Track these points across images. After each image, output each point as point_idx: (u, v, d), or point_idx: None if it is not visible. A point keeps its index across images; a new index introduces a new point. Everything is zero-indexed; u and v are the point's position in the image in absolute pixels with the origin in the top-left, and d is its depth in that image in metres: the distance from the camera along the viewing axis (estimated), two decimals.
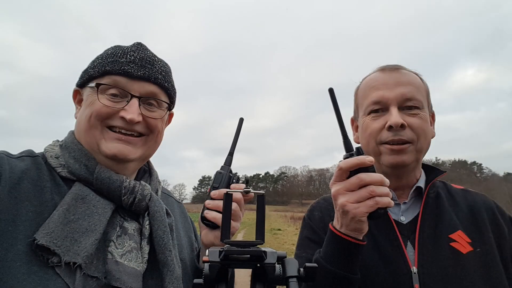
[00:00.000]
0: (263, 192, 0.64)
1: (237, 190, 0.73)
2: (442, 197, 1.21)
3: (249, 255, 0.56)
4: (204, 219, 1.01)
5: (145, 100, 1.00)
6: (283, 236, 22.53)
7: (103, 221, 0.88)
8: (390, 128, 1.13)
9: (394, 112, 1.13)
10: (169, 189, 1.31)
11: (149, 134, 1.02)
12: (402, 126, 1.12)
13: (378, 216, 0.90)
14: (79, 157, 0.95)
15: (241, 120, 1.10)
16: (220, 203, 0.95)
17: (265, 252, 0.57)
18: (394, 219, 1.16)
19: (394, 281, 1.05)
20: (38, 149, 1.00)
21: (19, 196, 0.82)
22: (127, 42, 1.10)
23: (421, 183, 1.22)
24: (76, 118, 1.02)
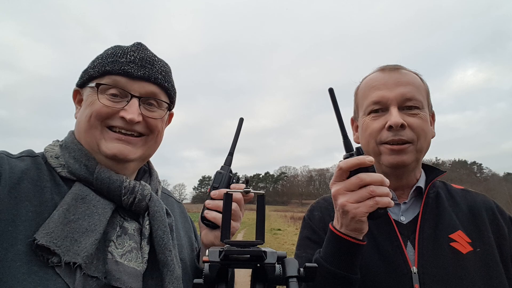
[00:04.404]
0: (263, 192, 0.65)
1: (237, 190, 0.73)
2: (442, 197, 1.21)
3: (249, 255, 0.56)
4: (204, 219, 1.01)
5: (145, 100, 1.00)
6: (283, 236, 22.53)
7: (103, 221, 0.88)
8: (390, 128, 1.13)
9: (394, 112, 1.13)
10: (169, 189, 1.31)
11: (149, 134, 1.02)
12: (402, 126, 1.12)
13: (378, 216, 0.90)
14: (79, 157, 0.95)
15: (241, 120, 1.10)
16: (220, 203, 0.95)
17: (265, 252, 0.57)
18: (394, 219, 1.16)
19: (394, 281, 1.05)
20: (38, 149, 1.00)
21: (19, 196, 0.82)
22: (127, 42, 1.10)
23: (421, 183, 1.22)
24: (76, 118, 1.02)
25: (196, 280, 0.56)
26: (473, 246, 1.09)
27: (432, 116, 1.28)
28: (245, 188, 0.70)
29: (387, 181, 0.91)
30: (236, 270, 0.76)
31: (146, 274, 0.92)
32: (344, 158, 0.94)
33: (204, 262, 0.57)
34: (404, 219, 1.17)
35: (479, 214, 1.17)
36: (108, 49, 1.05)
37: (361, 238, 0.95)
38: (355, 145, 0.95)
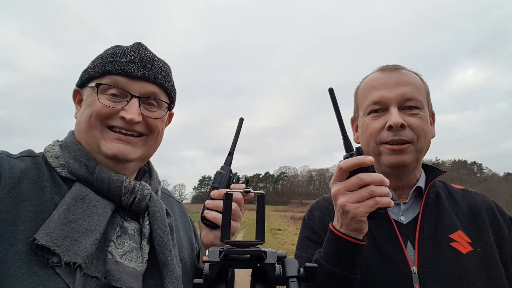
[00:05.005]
0: (263, 192, 0.65)
1: (237, 190, 0.73)
2: (442, 197, 1.21)
3: (249, 255, 0.56)
4: (204, 219, 1.01)
5: (145, 100, 1.00)
6: (283, 236, 22.53)
7: (103, 221, 0.88)
8: (390, 128, 1.13)
9: (394, 112, 1.13)
10: (169, 189, 1.31)
11: (149, 134, 1.02)
12: (402, 126, 1.12)
13: (378, 216, 0.90)
14: (79, 157, 0.95)
15: (241, 120, 1.10)
16: (220, 203, 0.95)
17: (265, 252, 0.57)
18: (394, 219, 1.16)
19: (394, 281, 1.05)
20: (38, 149, 1.00)
21: (19, 196, 0.82)
22: (127, 42, 1.10)
23: (421, 183, 1.22)
24: (76, 118, 1.02)
25: (196, 280, 0.56)
26: (473, 246, 1.09)
27: (432, 116, 1.28)
28: (245, 188, 0.70)
29: (387, 181, 0.91)
30: (236, 270, 0.76)
31: (146, 274, 0.92)
32: (344, 158, 0.94)
33: (204, 262, 0.57)
34: (404, 219, 1.17)
35: (479, 214, 1.17)
36: (108, 49, 1.05)
37: (361, 238, 0.95)
38: (355, 145, 0.95)
